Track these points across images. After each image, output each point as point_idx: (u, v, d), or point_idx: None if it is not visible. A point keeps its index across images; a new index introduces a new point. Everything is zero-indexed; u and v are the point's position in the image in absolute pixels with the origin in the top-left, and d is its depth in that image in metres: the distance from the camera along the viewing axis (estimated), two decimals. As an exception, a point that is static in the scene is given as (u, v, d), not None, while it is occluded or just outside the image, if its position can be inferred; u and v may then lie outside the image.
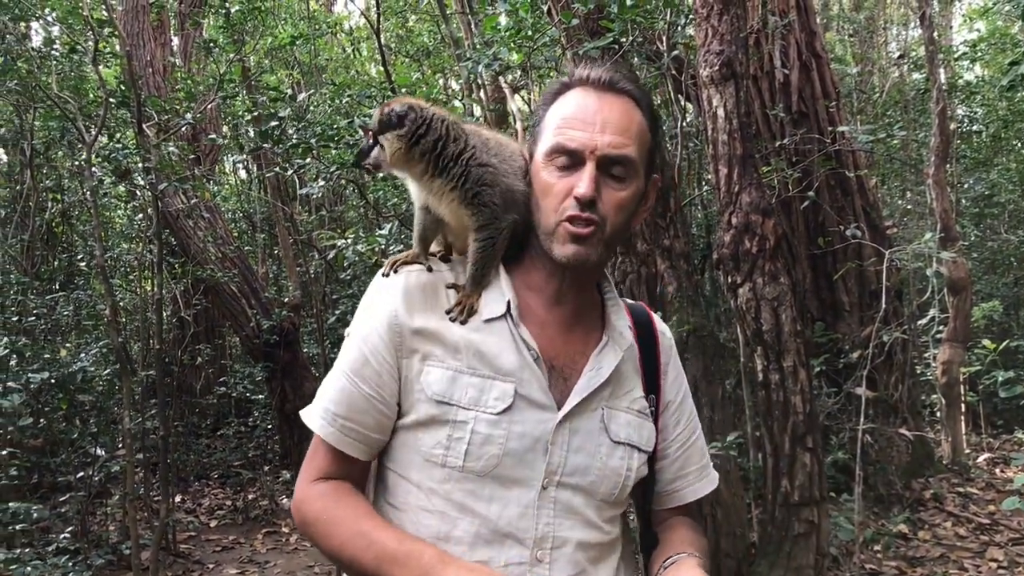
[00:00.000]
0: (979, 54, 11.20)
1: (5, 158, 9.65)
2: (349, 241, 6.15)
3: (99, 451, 6.98)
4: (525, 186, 1.61)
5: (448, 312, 1.54)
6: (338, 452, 1.53)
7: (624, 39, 4.23)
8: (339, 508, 1.51)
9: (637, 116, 1.56)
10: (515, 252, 1.64)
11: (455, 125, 1.63)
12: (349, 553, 1.46)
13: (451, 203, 1.60)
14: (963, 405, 7.88)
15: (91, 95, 7.78)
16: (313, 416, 1.55)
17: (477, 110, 6.39)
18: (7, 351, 5.66)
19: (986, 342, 4.46)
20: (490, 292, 1.57)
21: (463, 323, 1.53)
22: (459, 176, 1.59)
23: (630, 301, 1.78)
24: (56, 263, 9.25)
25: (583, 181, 1.48)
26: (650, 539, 1.72)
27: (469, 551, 1.46)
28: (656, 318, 1.78)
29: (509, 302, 1.54)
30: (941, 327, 7.33)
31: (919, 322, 7.53)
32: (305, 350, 9.66)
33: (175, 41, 11.07)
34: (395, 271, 1.60)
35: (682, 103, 6.87)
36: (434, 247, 1.73)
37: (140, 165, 6.01)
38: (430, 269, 1.61)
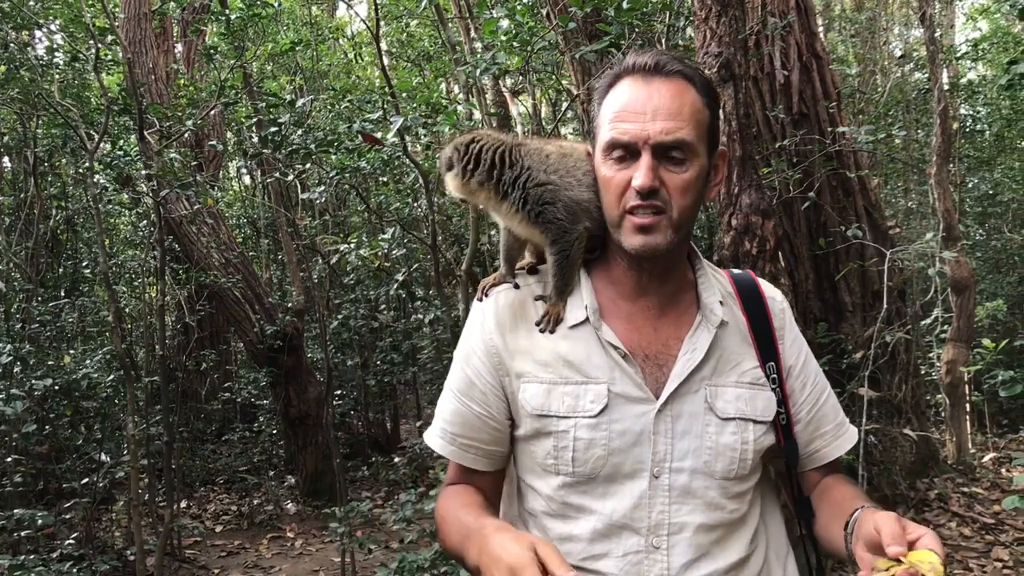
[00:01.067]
0: (981, 53, 11.17)
1: (9, 166, 9.68)
2: (352, 246, 6.17)
3: (104, 457, 7.01)
4: (592, 192, 1.65)
5: (537, 324, 1.63)
6: (459, 466, 1.69)
7: (622, 42, 4.24)
8: (449, 505, 1.64)
9: (690, 96, 1.54)
10: (600, 250, 1.70)
11: (513, 149, 1.72)
12: (451, 541, 1.56)
13: (521, 223, 1.70)
14: (968, 405, 7.84)
15: (93, 102, 7.81)
16: (433, 437, 1.70)
17: (478, 115, 6.40)
18: (11, 358, 5.68)
19: (986, 341, 4.46)
20: (573, 298, 1.63)
21: (552, 332, 1.60)
22: (519, 200, 1.68)
23: (736, 271, 1.79)
24: (60, 270, 9.28)
25: (640, 172, 1.50)
26: (803, 506, 1.72)
27: (587, 546, 1.53)
28: (764, 284, 1.77)
29: (588, 307, 1.59)
30: (945, 327, 7.31)
31: (923, 322, 7.52)
32: (309, 355, 9.67)
33: (177, 48, 11.12)
34: (486, 295, 1.71)
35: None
36: (528, 257, 1.82)
37: (143, 172, 6.03)
38: (517, 286, 1.70)
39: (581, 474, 1.52)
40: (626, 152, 1.53)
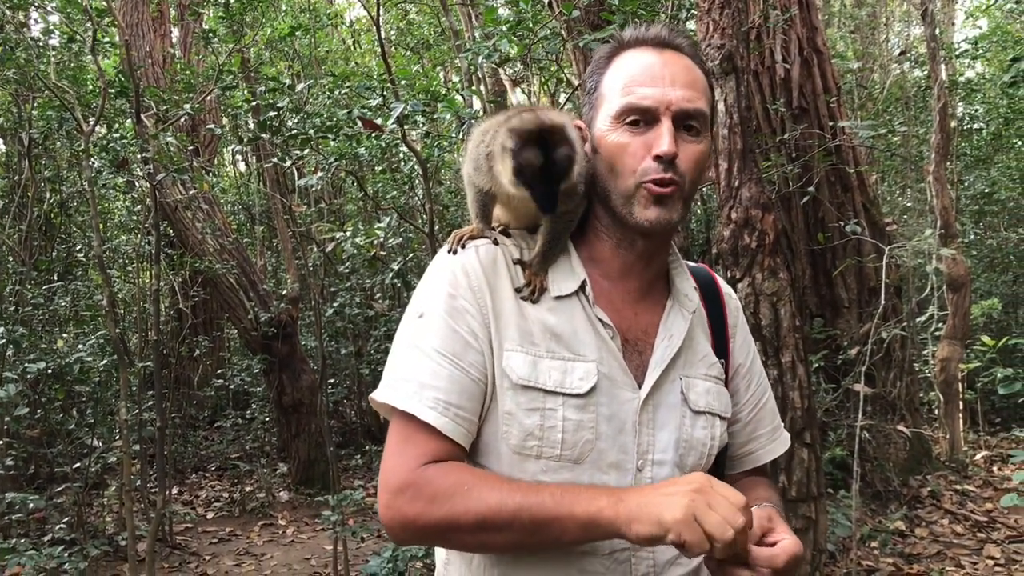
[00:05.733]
0: (981, 51, 11.18)
1: (3, 148, 9.62)
2: (348, 234, 6.14)
3: (96, 442, 6.98)
4: (584, 162, 1.53)
5: (518, 291, 1.48)
6: (447, 439, 1.40)
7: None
8: (479, 474, 1.39)
9: (698, 71, 1.52)
10: (578, 226, 1.59)
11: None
12: (515, 503, 1.30)
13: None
14: (961, 402, 7.87)
15: (90, 85, 7.75)
16: (422, 407, 1.38)
17: (477, 103, 6.37)
18: (4, 341, 5.65)
19: (985, 339, 4.46)
20: (560, 269, 1.51)
21: (534, 302, 1.46)
22: None
23: (691, 263, 1.73)
24: (54, 253, 9.23)
25: (663, 138, 1.43)
26: None
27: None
28: (719, 279, 1.73)
29: (585, 281, 1.49)
30: (940, 324, 7.32)
31: (918, 319, 7.54)
32: (303, 343, 9.65)
33: (174, 32, 11.06)
34: (462, 246, 1.53)
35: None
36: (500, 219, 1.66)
37: (138, 156, 5.99)
38: (496, 242, 1.55)
39: (568, 458, 1.41)
40: (642, 119, 1.46)
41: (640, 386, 1.48)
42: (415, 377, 1.41)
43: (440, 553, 1.58)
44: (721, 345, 1.65)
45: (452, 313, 1.44)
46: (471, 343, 1.43)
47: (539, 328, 1.45)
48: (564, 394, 1.41)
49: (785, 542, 1.33)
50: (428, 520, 1.35)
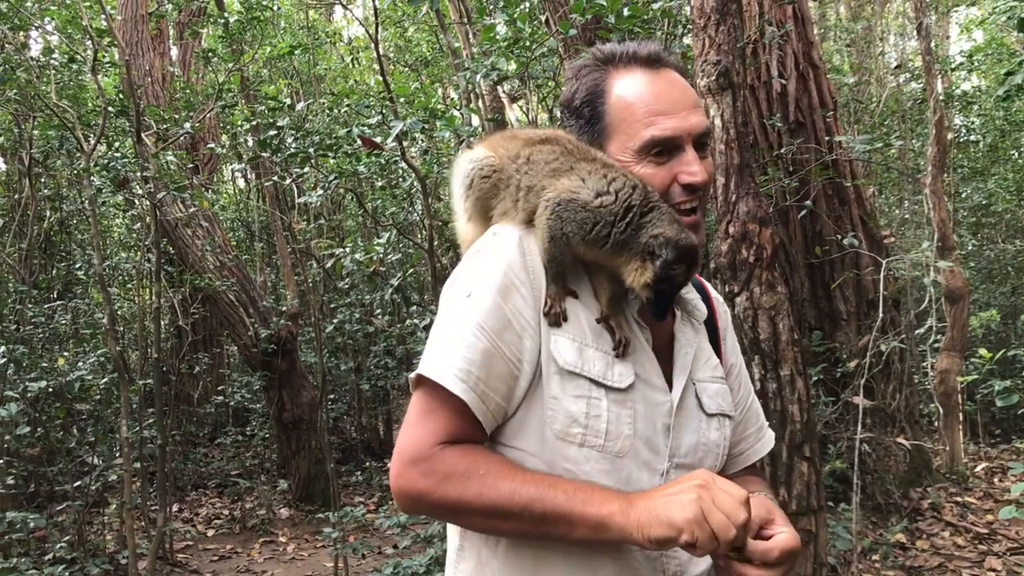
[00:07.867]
0: (976, 64, 11.23)
1: (4, 167, 9.65)
2: (347, 250, 6.17)
3: (96, 460, 6.98)
4: None
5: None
6: (469, 418, 1.37)
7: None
8: (496, 460, 1.37)
9: (688, 84, 1.54)
10: None
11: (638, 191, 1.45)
12: (527, 495, 1.30)
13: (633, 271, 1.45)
14: (961, 414, 7.86)
15: (90, 104, 7.79)
16: (447, 376, 1.35)
17: (475, 120, 6.40)
18: (4, 360, 5.66)
19: (982, 351, 4.47)
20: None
21: (624, 356, 1.45)
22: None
23: None
24: (54, 272, 9.24)
25: (694, 168, 1.46)
26: None
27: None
28: (707, 283, 1.77)
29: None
30: (939, 336, 7.33)
31: (917, 331, 7.54)
32: (303, 359, 9.65)
33: (174, 51, 11.12)
34: (565, 319, 1.47)
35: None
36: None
37: (139, 174, 6.02)
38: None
39: (610, 450, 1.40)
40: (664, 148, 1.47)
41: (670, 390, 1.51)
42: (454, 349, 1.38)
43: (452, 540, 1.56)
44: (714, 348, 1.69)
45: (503, 290, 1.41)
46: (512, 323, 1.40)
47: (580, 321, 1.46)
48: (606, 386, 1.42)
49: (781, 536, 1.35)
50: (438, 498, 1.33)
